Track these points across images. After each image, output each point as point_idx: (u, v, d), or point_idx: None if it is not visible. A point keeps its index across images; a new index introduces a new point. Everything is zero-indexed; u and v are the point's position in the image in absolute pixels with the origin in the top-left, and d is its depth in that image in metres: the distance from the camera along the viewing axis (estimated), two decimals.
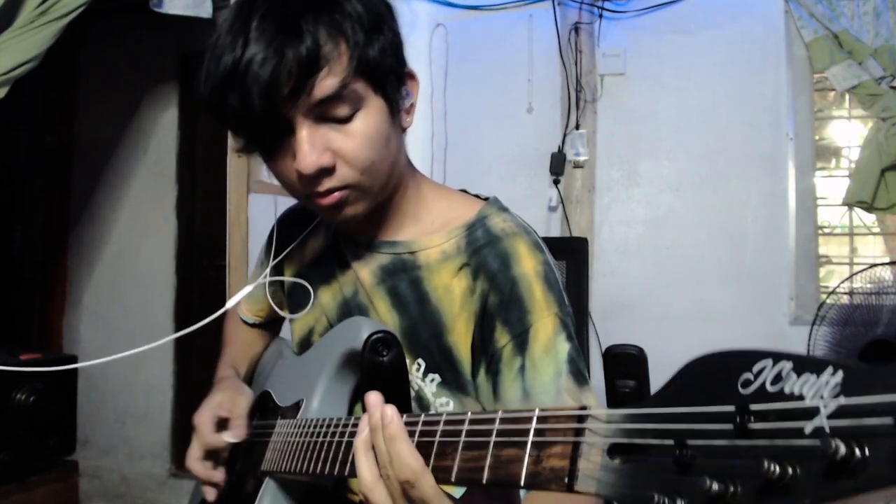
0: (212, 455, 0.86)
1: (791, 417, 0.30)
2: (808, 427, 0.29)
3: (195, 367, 2.85)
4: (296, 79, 0.64)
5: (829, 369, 0.29)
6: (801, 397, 0.30)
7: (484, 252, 0.76)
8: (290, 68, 0.63)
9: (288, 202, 1.00)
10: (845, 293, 2.17)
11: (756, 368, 0.32)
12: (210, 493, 0.86)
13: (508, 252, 0.75)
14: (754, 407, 0.31)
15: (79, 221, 2.97)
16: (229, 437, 0.84)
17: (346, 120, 0.68)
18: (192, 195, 2.91)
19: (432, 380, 0.77)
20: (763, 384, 0.31)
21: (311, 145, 0.67)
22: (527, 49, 2.76)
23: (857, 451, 0.27)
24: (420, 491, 0.50)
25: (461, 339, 0.76)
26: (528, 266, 0.74)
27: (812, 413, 0.29)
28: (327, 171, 0.69)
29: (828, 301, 2.13)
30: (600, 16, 2.66)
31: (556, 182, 2.62)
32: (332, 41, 0.65)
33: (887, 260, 2.41)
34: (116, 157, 2.94)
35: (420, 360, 0.78)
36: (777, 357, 0.31)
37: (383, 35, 0.70)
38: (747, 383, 0.32)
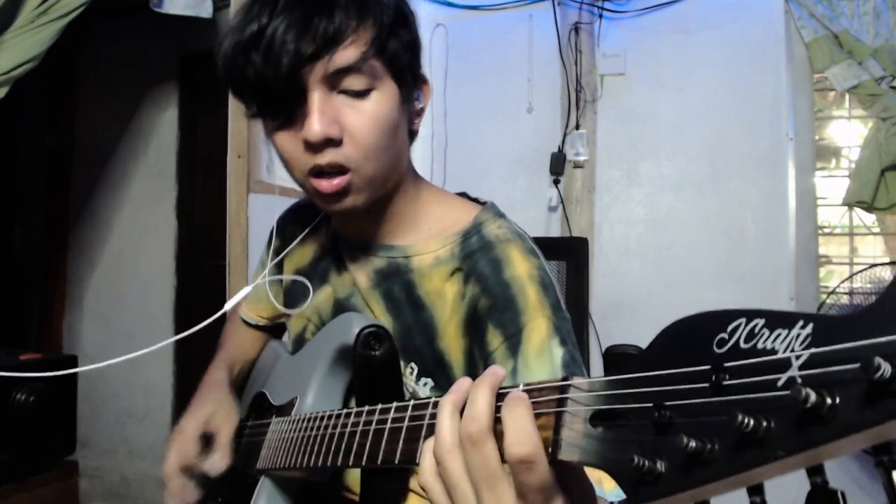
0: (188, 470, 0.82)
1: (764, 371, 0.30)
2: (781, 379, 0.29)
3: (195, 368, 2.85)
4: (319, 45, 0.65)
5: (800, 322, 0.29)
6: (773, 351, 0.30)
7: (476, 257, 0.75)
8: (315, 35, 0.65)
9: (288, 202, 1.00)
10: (845, 293, 2.17)
11: (730, 328, 0.32)
12: None
13: (500, 257, 0.74)
14: (728, 364, 0.31)
15: (79, 221, 2.97)
16: (209, 468, 0.81)
17: (360, 95, 0.69)
18: (192, 195, 2.91)
19: (425, 384, 0.76)
20: (737, 342, 0.32)
21: (322, 113, 0.67)
22: (527, 49, 2.76)
23: (828, 399, 0.27)
24: (538, 475, 0.40)
25: (452, 344, 0.75)
26: (520, 269, 0.73)
27: (784, 365, 0.29)
28: (333, 143, 0.69)
29: (828, 301, 2.14)
30: (600, 16, 2.66)
31: (556, 182, 2.62)
32: (359, 18, 0.67)
33: (887, 260, 2.41)
34: (116, 157, 2.94)
35: (413, 364, 0.77)
36: (750, 315, 0.32)
37: (406, 30, 0.73)
38: (722, 343, 0.32)
